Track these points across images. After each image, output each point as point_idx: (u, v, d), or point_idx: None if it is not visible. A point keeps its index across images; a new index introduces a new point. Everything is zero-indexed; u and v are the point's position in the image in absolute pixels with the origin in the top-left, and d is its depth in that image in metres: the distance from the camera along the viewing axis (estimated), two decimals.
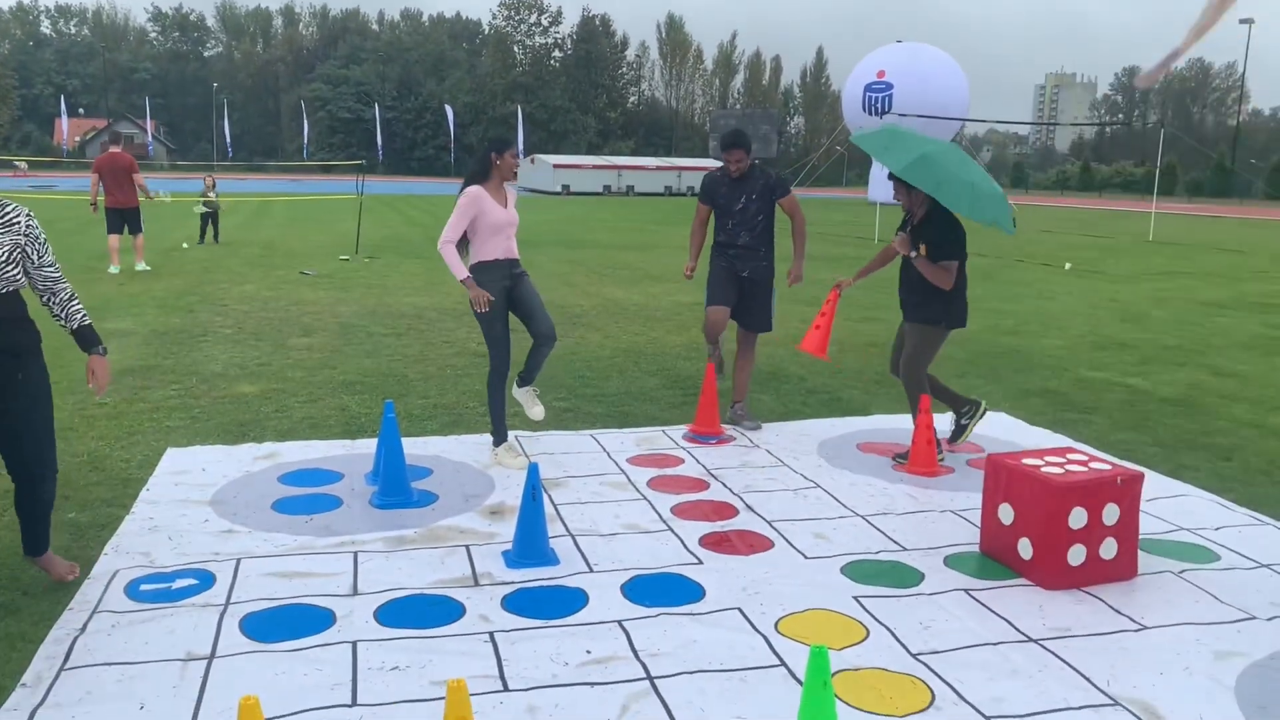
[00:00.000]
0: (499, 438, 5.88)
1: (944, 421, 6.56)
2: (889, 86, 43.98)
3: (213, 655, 3.47)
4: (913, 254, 5.93)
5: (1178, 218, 39.38)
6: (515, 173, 5.85)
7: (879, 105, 43.28)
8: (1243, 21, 63.81)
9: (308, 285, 13.43)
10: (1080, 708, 3.25)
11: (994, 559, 4.46)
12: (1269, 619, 3.92)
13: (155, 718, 3.07)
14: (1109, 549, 4.21)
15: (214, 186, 19.20)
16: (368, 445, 5.94)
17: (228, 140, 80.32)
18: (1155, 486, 5.39)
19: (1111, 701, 3.30)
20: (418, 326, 10.32)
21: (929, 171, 5.67)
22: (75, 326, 4.06)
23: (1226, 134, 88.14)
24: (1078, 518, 4.13)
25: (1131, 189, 72.82)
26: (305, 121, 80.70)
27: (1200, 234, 29.63)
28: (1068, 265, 18.38)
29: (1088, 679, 3.44)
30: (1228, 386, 8.27)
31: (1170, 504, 5.26)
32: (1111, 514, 4.19)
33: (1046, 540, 4.17)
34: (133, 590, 3.97)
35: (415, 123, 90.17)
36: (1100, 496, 4.17)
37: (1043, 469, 4.29)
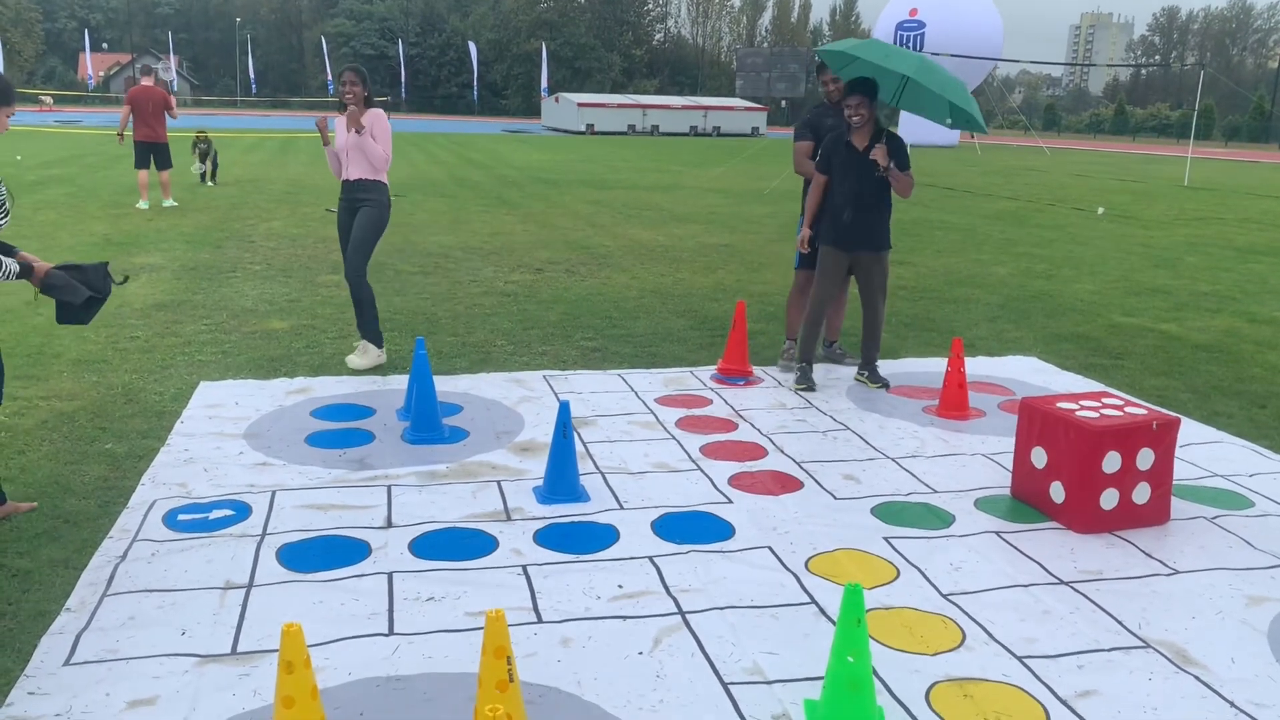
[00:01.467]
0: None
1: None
2: (921, 25, 43.12)
3: (251, 584, 3.53)
4: (890, 166, 5.88)
5: (1214, 163, 38.63)
6: (346, 101, 6.31)
7: (911, 44, 42.47)
8: None
9: (334, 222, 13.41)
10: (1111, 649, 3.26)
11: (1025, 502, 4.45)
12: None
13: (197, 643, 3.13)
14: (1142, 494, 4.19)
15: (205, 135, 18.54)
16: (399, 381, 5.97)
17: (251, 76, 79.90)
18: (1189, 433, 5.35)
19: (1143, 644, 3.30)
20: (445, 265, 10.32)
21: (919, 95, 6.10)
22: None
23: (1267, 76, 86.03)
24: (1111, 462, 4.11)
25: (1166, 133, 71.46)
26: (327, 58, 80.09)
27: (1237, 179, 29.07)
28: (1100, 210, 18.10)
29: (1119, 621, 3.44)
30: (1263, 334, 8.16)
31: (1204, 450, 5.22)
32: (1146, 459, 4.16)
33: (1079, 484, 4.15)
34: (170, 520, 4.03)
35: (439, 60, 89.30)
36: (1135, 441, 4.14)
37: (1078, 413, 4.26)
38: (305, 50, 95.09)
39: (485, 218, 14.60)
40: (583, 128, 52.14)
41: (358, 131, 6.25)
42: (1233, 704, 2.97)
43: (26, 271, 3.80)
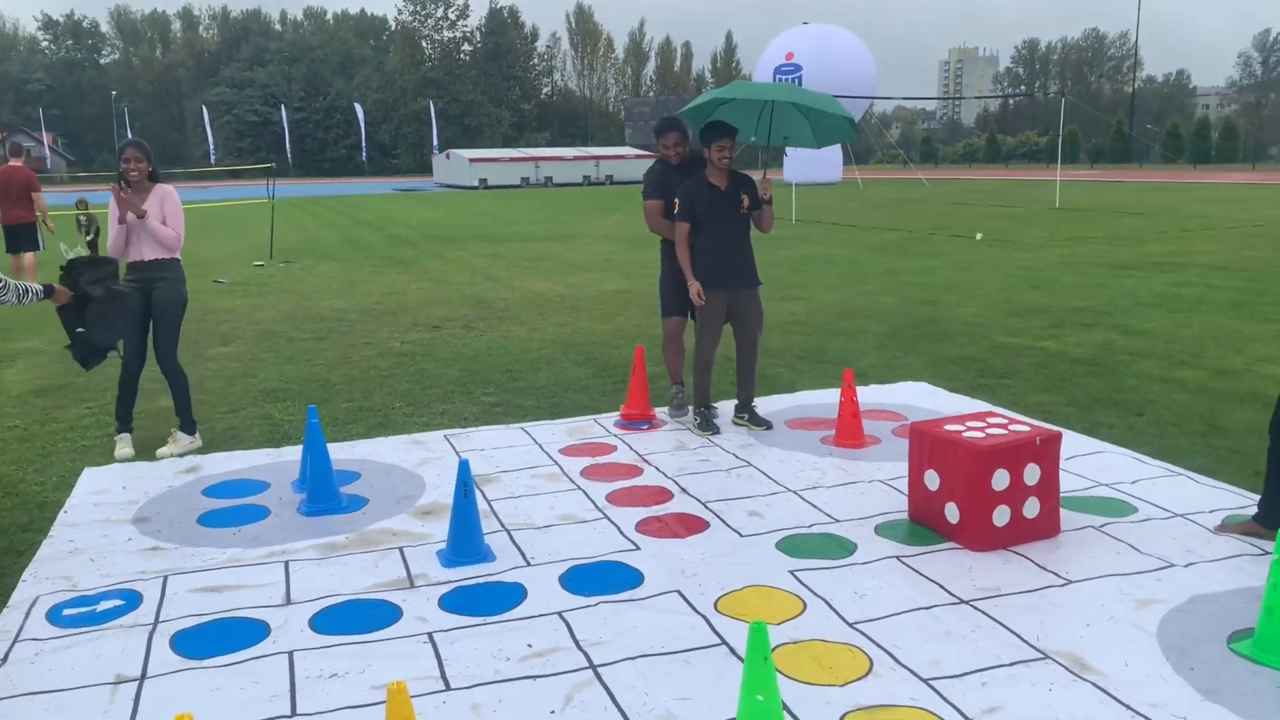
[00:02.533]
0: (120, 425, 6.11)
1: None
2: (798, 68, 44.41)
3: (144, 676, 3.38)
4: (767, 200, 6.09)
5: (1081, 184, 40.53)
6: (130, 180, 5.92)
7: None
8: None
9: (223, 294, 13.13)
10: (1013, 664, 3.35)
11: (923, 525, 4.56)
12: (1186, 565, 4.08)
13: None
14: (1032, 508, 4.33)
15: (86, 206, 18.03)
16: (293, 453, 5.83)
17: None
18: (1073, 445, 5.56)
19: (1042, 655, 3.40)
20: (338, 329, 10.16)
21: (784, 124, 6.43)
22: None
23: (1123, 100, 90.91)
24: (1000, 479, 4.24)
25: (1036, 158, 74.70)
26: (209, 127, 78.65)
27: (1103, 199, 30.54)
28: (979, 236, 18.80)
29: (1019, 635, 3.54)
30: (1136, 344, 8.56)
31: (1088, 461, 5.42)
32: (1033, 474, 4.31)
33: (972, 503, 4.27)
34: (55, 616, 3.85)
35: (325, 123, 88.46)
36: (1021, 458, 4.29)
37: (964, 434, 4.40)
38: (186, 120, 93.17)
39: (379, 278, 14.44)
40: (476, 183, 52.14)
41: (138, 216, 5.81)
42: (1129, 707, 3.07)
43: (49, 292, 4.94)
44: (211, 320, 10.86)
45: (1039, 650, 3.43)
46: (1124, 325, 9.44)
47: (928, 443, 4.51)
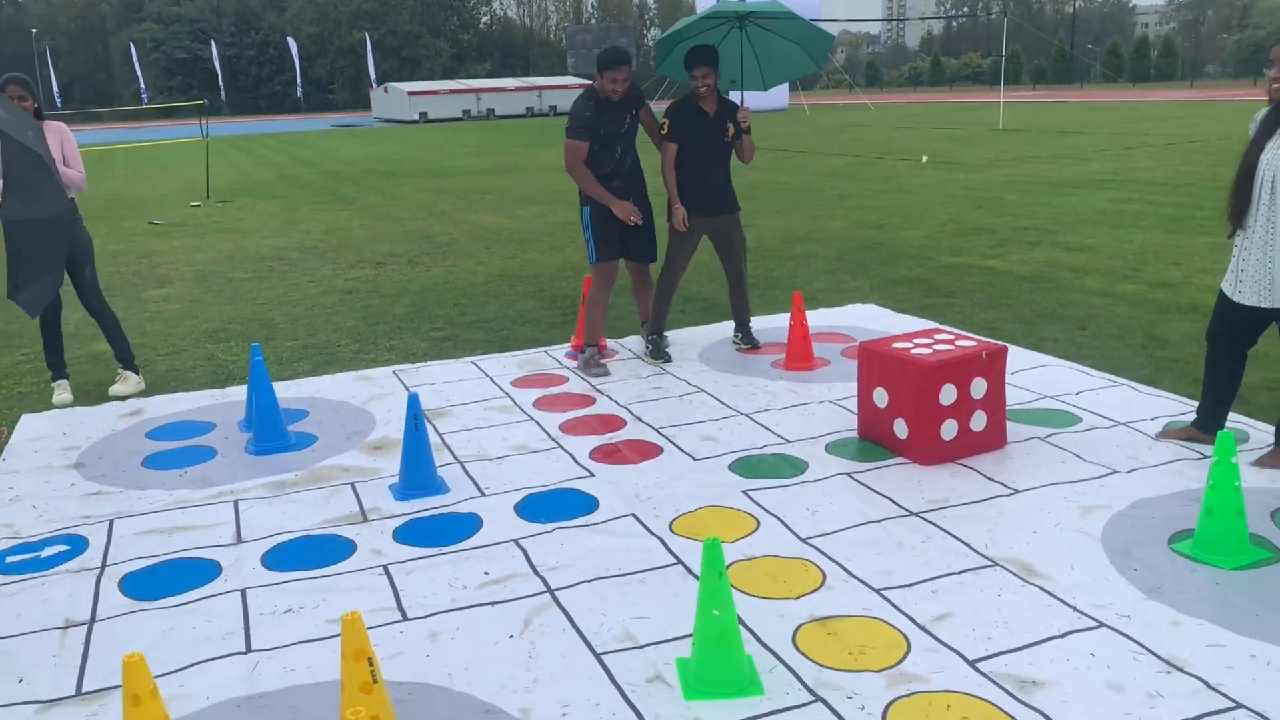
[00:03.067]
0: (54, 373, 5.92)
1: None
2: None
3: (93, 619, 3.33)
4: (747, 128, 6.02)
5: (1025, 105, 40.68)
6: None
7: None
8: None
9: (159, 235, 12.78)
10: (962, 571, 3.41)
11: (872, 442, 4.60)
12: (1129, 471, 4.17)
13: (37, 688, 2.94)
14: (979, 421, 4.39)
15: None
16: (238, 393, 5.73)
17: (55, 90, 75.00)
18: (1019, 359, 5.63)
19: (990, 563, 3.47)
20: (280, 268, 9.95)
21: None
22: None
23: (1064, 21, 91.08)
24: (948, 394, 4.29)
25: (980, 80, 74.85)
26: (137, 65, 75.93)
27: (1046, 119, 30.70)
28: (924, 159, 18.84)
29: (968, 544, 3.60)
30: (1078, 260, 8.66)
31: (1033, 374, 5.50)
32: (979, 388, 4.36)
33: (920, 418, 4.32)
34: None
35: (258, 59, 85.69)
36: (967, 372, 4.33)
37: (912, 351, 4.43)
38: (113, 59, 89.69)
39: (320, 216, 14.14)
40: (415, 117, 51.03)
41: None
42: (1075, 608, 3.15)
43: None
44: (148, 263, 10.58)
45: (987, 558, 3.50)
46: (1067, 242, 9.54)
47: (876, 361, 4.54)
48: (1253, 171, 3.97)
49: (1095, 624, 3.05)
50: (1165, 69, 67.05)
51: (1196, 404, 4.51)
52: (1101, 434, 4.61)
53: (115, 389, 5.88)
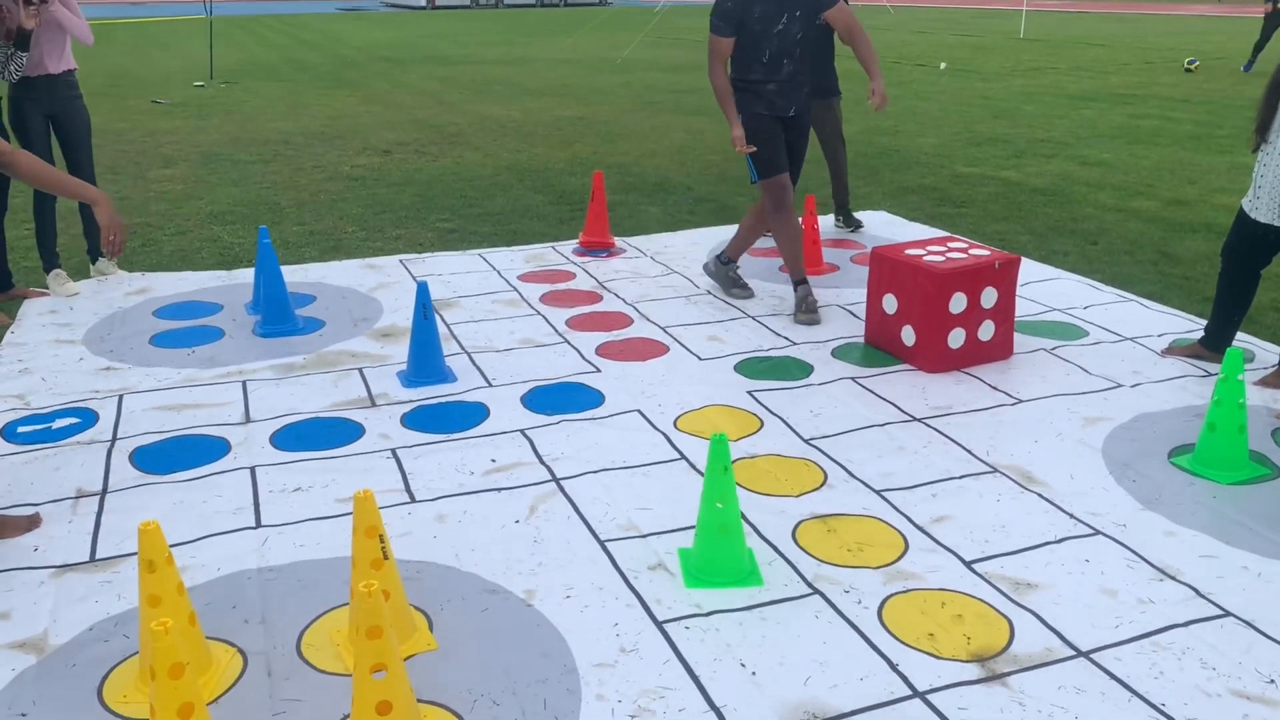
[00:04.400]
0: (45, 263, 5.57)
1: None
2: None
3: (105, 490, 3.38)
4: None
5: (1047, 15, 39.64)
6: None
7: None
8: None
9: (162, 114, 12.58)
10: (961, 476, 3.46)
11: (879, 348, 4.61)
12: (1133, 385, 4.19)
13: (51, 554, 3.00)
14: (987, 331, 4.39)
15: None
16: (245, 275, 5.72)
17: None
18: (1029, 272, 5.60)
19: (990, 469, 3.51)
20: (285, 152, 9.83)
21: None
22: None
23: None
24: (958, 303, 4.28)
25: None
26: None
27: (1068, 29, 29.96)
28: (943, 65, 18.44)
29: (969, 450, 3.64)
30: (1094, 175, 8.55)
31: (1043, 287, 5.49)
32: (989, 298, 4.35)
33: (928, 326, 4.32)
34: (9, 433, 3.81)
35: None
36: (979, 281, 4.31)
37: (925, 258, 4.40)
38: None
39: (325, 100, 13.90)
40: (424, 2, 49.76)
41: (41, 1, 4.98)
42: (1071, 515, 3.20)
43: None
44: (152, 142, 10.43)
45: (988, 464, 3.54)
46: (1083, 156, 9.40)
47: (887, 267, 4.52)
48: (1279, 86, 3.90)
49: (1091, 531, 3.11)
50: None
51: (1204, 322, 4.51)
52: (1108, 348, 4.62)
53: (104, 265, 5.75)
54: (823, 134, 6.43)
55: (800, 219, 5.88)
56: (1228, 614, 2.70)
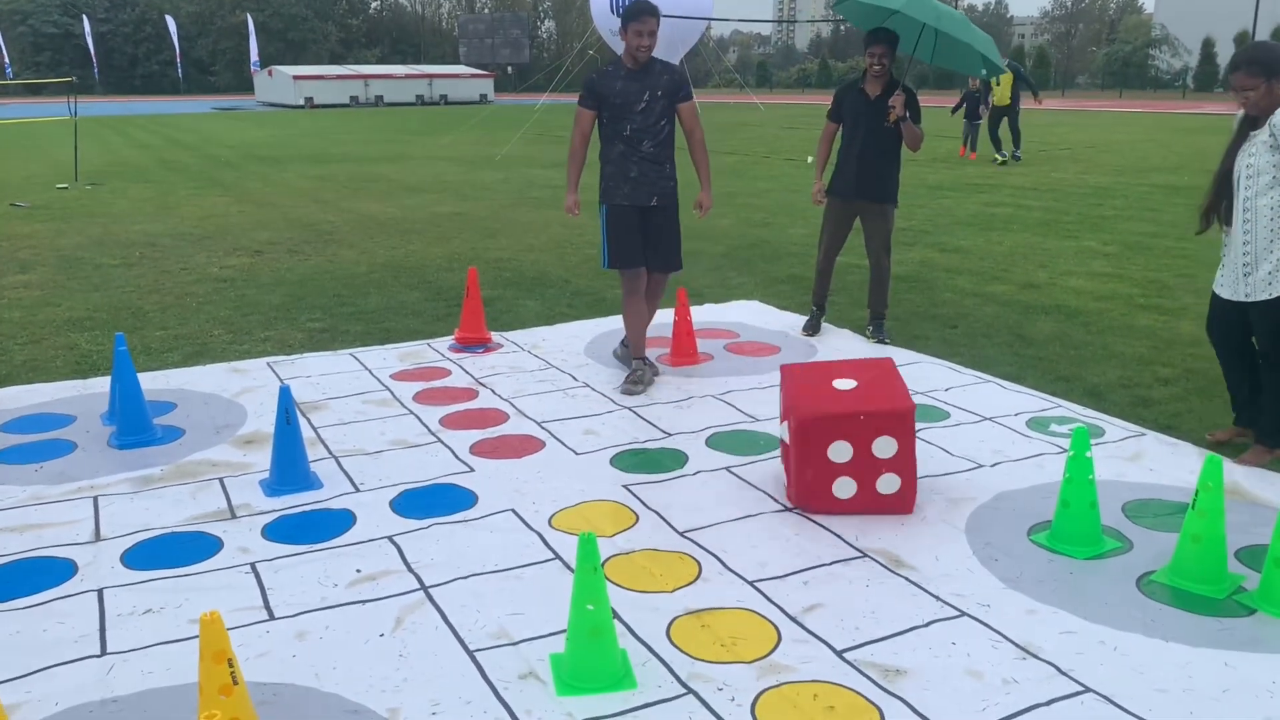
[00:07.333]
0: None
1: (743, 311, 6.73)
2: None
3: None
4: (905, 116, 5.96)
5: None
6: None
7: (624, 6, 43.02)
8: None
9: (20, 218, 12.12)
10: (832, 563, 3.49)
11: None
12: (993, 465, 4.33)
13: None
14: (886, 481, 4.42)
15: None
16: (102, 384, 5.48)
17: None
18: (894, 358, 5.77)
19: (860, 554, 3.56)
20: (151, 255, 9.55)
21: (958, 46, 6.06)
22: None
23: None
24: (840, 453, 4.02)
25: None
26: (1, 39, 71.83)
27: (926, 124, 31.63)
28: (810, 159, 19.18)
29: (839, 536, 3.69)
30: (952, 261, 8.95)
31: (907, 371, 5.64)
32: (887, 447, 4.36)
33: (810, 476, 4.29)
34: None
35: (135, 36, 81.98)
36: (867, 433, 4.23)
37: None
38: None
39: (196, 201, 13.63)
40: (301, 101, 49.64)
41: None
42: (938, 597, 3.26)
43: None
44: (8, 246, 10.03)
45: (857, 549, 3.59)
46: (942, 243, 9.85)
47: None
48: (1229, 174, 4.22)
49: (957, 613, 3.16)
50: (1040, 79, 69.61)
51: (1058, 400, 4.70)
52: (968, 429, 4.78)
53: None
54: (872, 242, 6.29)
55: (674, 311, 6.00)
56: (1087, 689, 2.77)
